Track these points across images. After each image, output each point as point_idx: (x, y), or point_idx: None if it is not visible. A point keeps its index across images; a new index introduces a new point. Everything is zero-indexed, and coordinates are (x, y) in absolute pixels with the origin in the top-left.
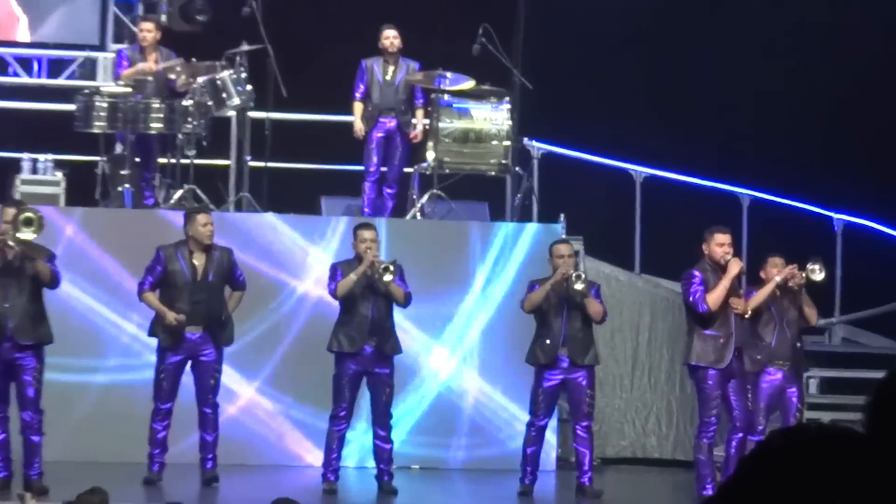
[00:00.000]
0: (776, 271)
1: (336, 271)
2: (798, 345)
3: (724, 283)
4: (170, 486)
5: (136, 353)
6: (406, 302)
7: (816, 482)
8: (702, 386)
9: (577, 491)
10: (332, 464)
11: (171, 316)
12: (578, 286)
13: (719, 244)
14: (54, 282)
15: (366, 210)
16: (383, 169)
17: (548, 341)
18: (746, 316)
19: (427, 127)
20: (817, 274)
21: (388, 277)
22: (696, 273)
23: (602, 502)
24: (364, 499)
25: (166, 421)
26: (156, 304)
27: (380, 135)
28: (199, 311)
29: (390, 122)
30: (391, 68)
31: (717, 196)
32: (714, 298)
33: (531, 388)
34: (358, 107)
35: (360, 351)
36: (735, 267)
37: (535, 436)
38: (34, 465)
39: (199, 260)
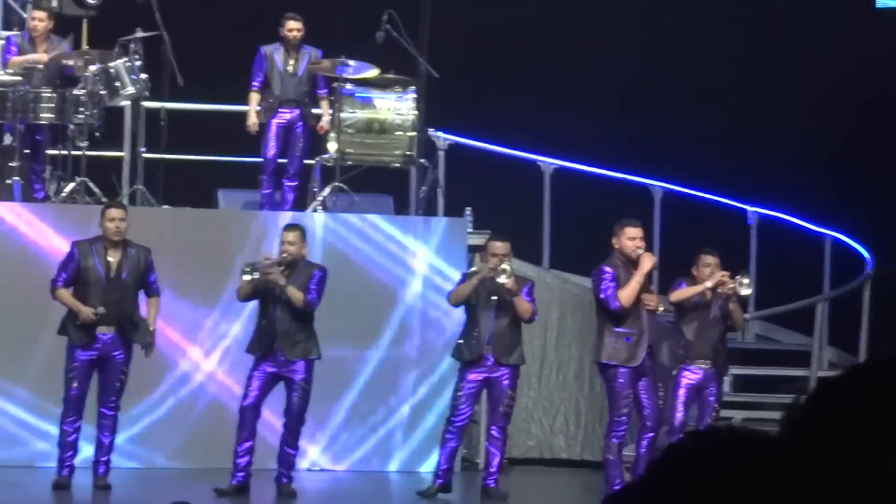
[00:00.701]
0: (709, 271)
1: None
2: (721, 346)
3: (637, 279)
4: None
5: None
6: (306, 307)
7: (723, 488)
8: (612, 385)
9: (482, 493)
10: (236, 465)
11: (87, 311)
12: (501, 279)
13: (630, 238)
14: None
15: (264, 205)
16: (283, 161)
17: (474, 337)
18: (659, 311)
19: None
20: (745, 288)
21: (245, 277)
22: (607, 269)
23: None
24: (262, 501)
25: (77, 423)
26: (69, 301)
27: (280, 122)
28: (111, 310)
29: (292, 114)
30: (292, 59)
31: (629, 188)
32: (626, 295)
33: (454, 385)
34: (254, 97)
35: (272, 355)
36: (648, 262)
37: (450, 437)
38: None
39: (113, 257)
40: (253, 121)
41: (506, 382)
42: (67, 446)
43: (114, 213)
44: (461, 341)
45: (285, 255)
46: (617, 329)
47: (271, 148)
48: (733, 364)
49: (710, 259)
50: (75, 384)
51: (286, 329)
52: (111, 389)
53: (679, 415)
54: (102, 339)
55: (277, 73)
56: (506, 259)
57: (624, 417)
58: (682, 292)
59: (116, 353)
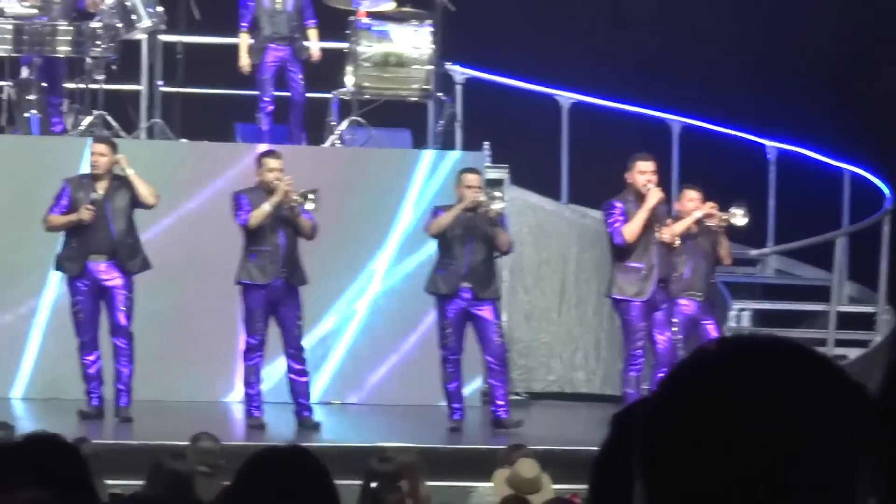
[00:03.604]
0: (692, 205)
1: (242, 200)
2: (711, 280)
3: (642, 215)
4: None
5: None
6: (313, 234)
7: (783, 396)
8: (625, 318)
9: (495, 425)
10: (253, 399)
11: (85, 213)
12: (497, 206)
13: (641, 172)
14: None
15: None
16: (284, 94)
17: (450, 271)
18: (676, 245)
19: (346, 50)
20: (739, 218)
21: (310, 206)
22: (617, 204)
23: (521, 434)
24: (289, 433)
25: (93, 354)
26: (64, 221)
27: (272, 64)
28: (101, 237)
29: (283, 52)
30: None
31: (647, 123)
32: (631, 230)
33: (437, 322)
34: (244, 37)
35: (272, 282)
36: (654, 197)
37: (452, 371)
38: None
39: (102, 188)
40: (245, 61)
41: (490, 316)
42: (89, 378)
43: (94, 147)
44: (435, 274)
45: (283, 182)
46: (626, 264)
47: (267, 89)
48: (753, 299)
49: (692, 193)
50: (81, 316)
51: (294, 256)
52: (117, 317)
53: (679, 351)
54: (95, 269)
55: (264, 11)
56: (481, 192)
57: (639, 351)
58: (671, 228)
59: (112, 280)
